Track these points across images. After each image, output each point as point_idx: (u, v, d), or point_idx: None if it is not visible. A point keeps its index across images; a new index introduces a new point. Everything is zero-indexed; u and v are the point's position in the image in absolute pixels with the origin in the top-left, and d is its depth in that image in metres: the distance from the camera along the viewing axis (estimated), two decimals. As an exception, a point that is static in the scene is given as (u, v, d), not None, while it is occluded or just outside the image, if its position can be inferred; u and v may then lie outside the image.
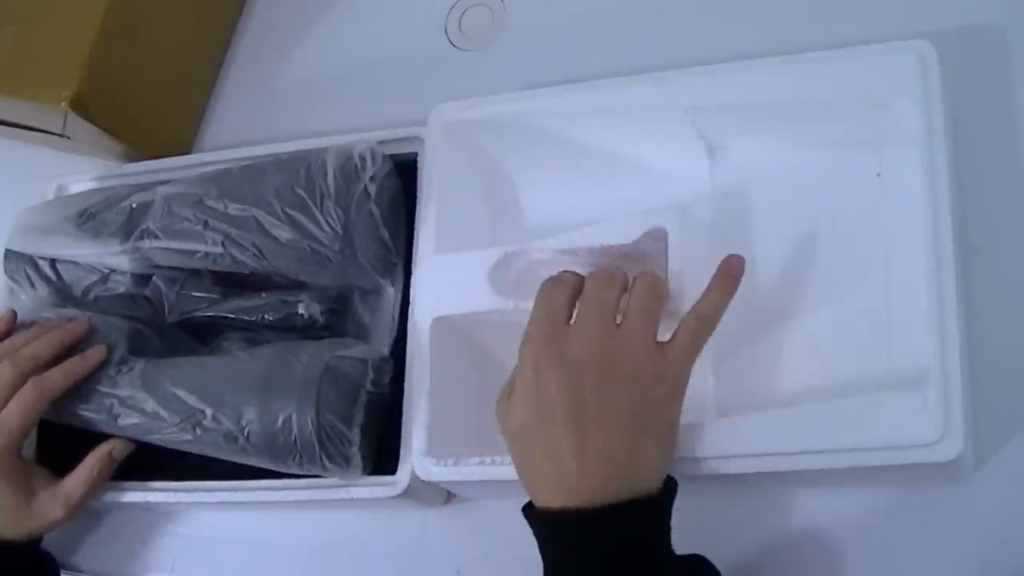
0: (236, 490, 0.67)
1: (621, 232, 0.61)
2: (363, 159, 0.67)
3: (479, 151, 0.68)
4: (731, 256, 0.55)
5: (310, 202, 0.66)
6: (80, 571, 0.75)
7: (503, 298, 0.61)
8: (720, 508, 0.61)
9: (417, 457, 0.61)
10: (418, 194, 0.69)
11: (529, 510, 0.52)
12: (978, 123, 0.61)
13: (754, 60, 0.62)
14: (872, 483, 0.57)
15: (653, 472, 0.52)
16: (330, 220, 0.66)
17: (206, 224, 0.68)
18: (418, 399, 0.62)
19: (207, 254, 0.69)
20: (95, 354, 0.68)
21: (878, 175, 0.60)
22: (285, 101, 0.84)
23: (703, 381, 0.60)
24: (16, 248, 0.76)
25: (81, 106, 0.75)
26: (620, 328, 0.52)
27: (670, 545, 0.52)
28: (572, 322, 0.53)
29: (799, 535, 0.59)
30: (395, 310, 0.69)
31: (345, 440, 0.62)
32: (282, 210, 0.66)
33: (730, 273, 0.55)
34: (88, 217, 0.73)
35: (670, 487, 0.52)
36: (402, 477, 0.63)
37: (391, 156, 0.70)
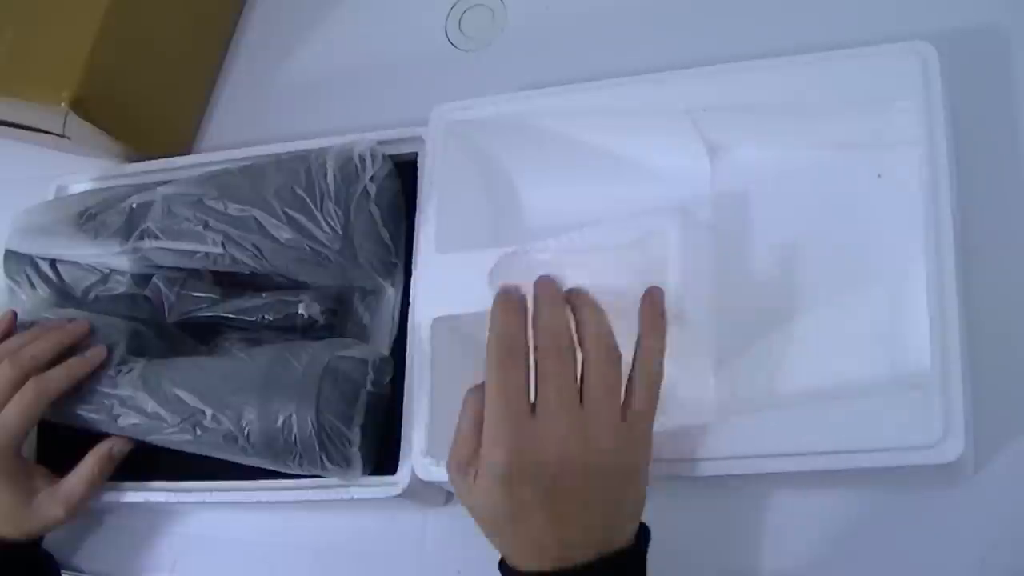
0: (236, 490, 0.67)
1: (621, 233, 0.61)
2: (363, 159, 0.67)
3: (479, 151, 0.68)
4: (648, 292, 0.55)
5: (310, 202, 0.66)
6: (81, 571, 0.75)
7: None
8: (720, 509, 0.61)
9: (417, 457, 0.61)
10: (418, 194, 0.69)
11: (504, 567, 0.52)
12: (979, 124, 0.61)
13: (755, 61, 0.62)
14: (872, 485, 0.57)
15: (629, 529, 0.52)
16: (330, 220, 0.66)
17: (206, 224, 0.68)
18: (418, 399, 0.62)
19: (207, 254, 0.69)
20: (96, 354, 0.68)
21: (879, 176, 0.60)
22: (285, 101, 0.84)
23: (703, 382, 0.60)
24: (16, 248, 0.76)
25: (81, 106, 0.74)
26: (585, 411, 0.50)
27: None
28: (535, 413, 0.50)
29: (799, 537, 0.59)
30: (395, 310, 0.69)
31: (345, 440, 0.62)
32: (282, 210, 0.66)
33: (654, 311, 0.54)
34: (88, 217, 0.73)
35: (644, 535, 0.53)
36: (402, 477, 0.63)
37: (391, 156, 0.70)
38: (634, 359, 0.53)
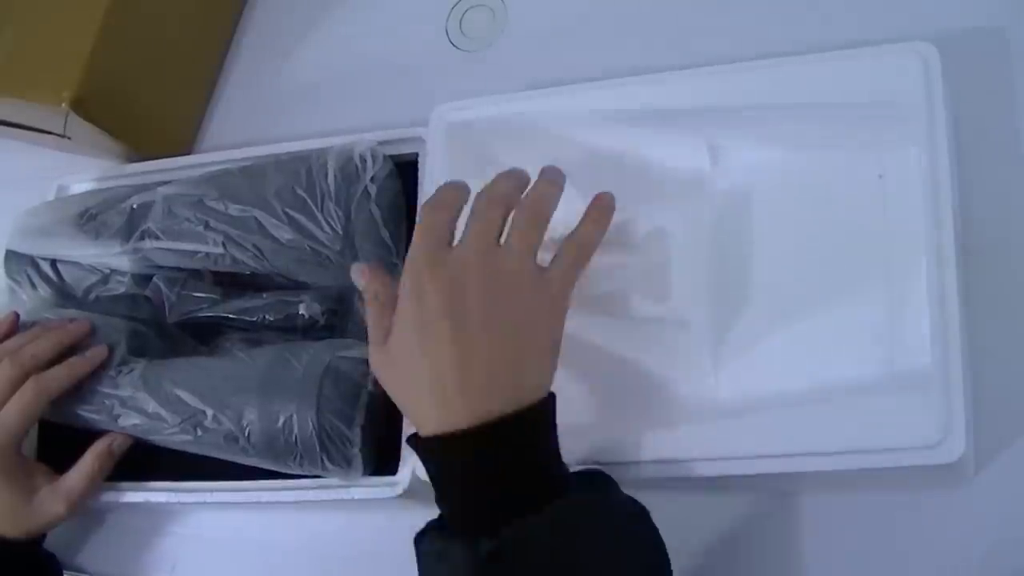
0: (236, 490, 0.67)
1: (622, 233, 0.61)
2: (363, 160, 0.67)
3: (480, 152, 0.68)
4: (602, 192, 0.57)
5: (311, 203, 0.66)
6: (81, 571, 0.75)
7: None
8: (720, 510, 0.61)
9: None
10: (419, 195, 0.69)
11: (415, 439, 0.52)
12: (980, 124, 0.61)
13: (756, 61, 0.62)
14: (872, 485, 0.57)
15: (536, 386, 0.52)
16: (331, 221, 0.66)
17: (207, 225, 0.68)
18: (419, 400, 0.62)
19: (208, 255, 0.69)
20: (96, 354, 0.68)
21: (880, 176, 0.60)
22: (286, 102, 0.84)
23: (703, 382, 0.60)
24: (17, 249, 0.76)
25: (82, 107, 0.74)
26: (502, 246, 0.53)
27: (559, 455, 0.52)
28: (456, 242, 0.53)
29: (798, 538, 0.59)
30: None
31: (346, 441, 0.62)
32: (283, 211, 0.66)
33: (603, 206, 0.57)
34: (89, 218, 0.73)
35: (549, 399, 0.53)
36: (402, 477, 0.63)
37: (392, 157, 0.70)
38: (567, 237, 0.55)
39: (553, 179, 0.56)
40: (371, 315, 0.55)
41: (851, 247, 0.60)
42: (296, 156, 0.70)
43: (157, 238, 0.70)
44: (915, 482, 0.56)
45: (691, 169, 0.64)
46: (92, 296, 0.74)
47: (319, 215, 0.66)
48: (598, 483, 0.53)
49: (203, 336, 0.72)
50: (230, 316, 0.70)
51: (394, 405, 0.64)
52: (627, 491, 0.61)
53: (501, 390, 0.50)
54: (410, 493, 0.62)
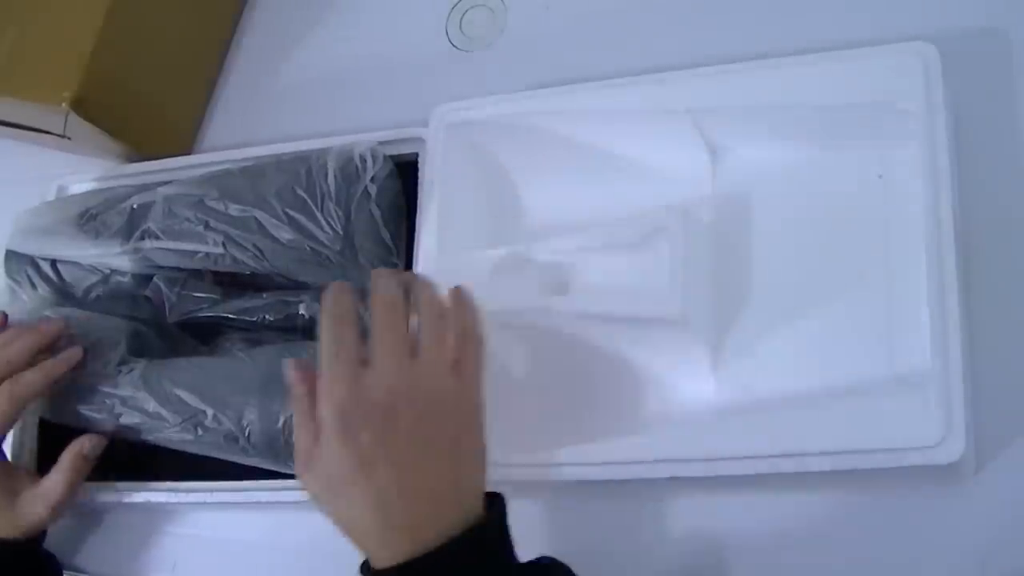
0: (236, 490, 0.67)
1: (622, 233, 0.61)
2: (364, 160, 0.67)
3: (480, 152, 0.68)
4: (454, 288, 0.57)
5: (311, 203, 0.66)
6: (81, 571, 0.75)
7: (504, 298, 0.61)
8: (720, 511, 0.61)
9: (418, 458, 0.61)
10: (419, 195, 0.68)
11: (367, 570, 0.50)
12: (980, 124, 0.61)
13: (756, 61, 0.62)
14: (872, 486, 0.57)
15: (477, 497, 0.51)
16: (331, 221, 0.66)
17: (207, 225, 0.68)
18: (419, 400, 0.62)
19: (208, 255, 0.69)
20: (72, 355, 0.68)
21: (880, 176, 0.60)
22: (286, 102, 0.84)
23: (703, 382, 0.60)
24: (17, 248, 0.76)
25: (82, 107, 0.74)
26: (419, 360, 0.51)
27: (515, 557, 0.51)
28: (370, 362, 0.51)
29: (797, 539, 0.59)
30: None
31: None
32: (283, 211, 0.66)
33: (460, 295, 0.56)
34: (89, 218, 0.73)
35: (499, 503, 0.52)
36: (403, 478, 0.62)
37: (392, 157, 0.70)
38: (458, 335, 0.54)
39: (427, 280, 0.56)
40: (298, 419, 0.52)
41: (851, 247, 0.60)
42: (296, 156, 0.70)
43: (157, 238, 0.70)
44: (915, 482, 0.56)
45: (691, 169, 0.64)
46: (92, 296, 0.74)
47: (319, 215, 0.66)
48: (554, 573, 0.52)
49: (203, 336, 0.72)
50: (230, 316, 0.70)
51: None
52: (627, 491, 0.61)
53: (447, 514, 0.49)
54: (410, 493, 0.62)
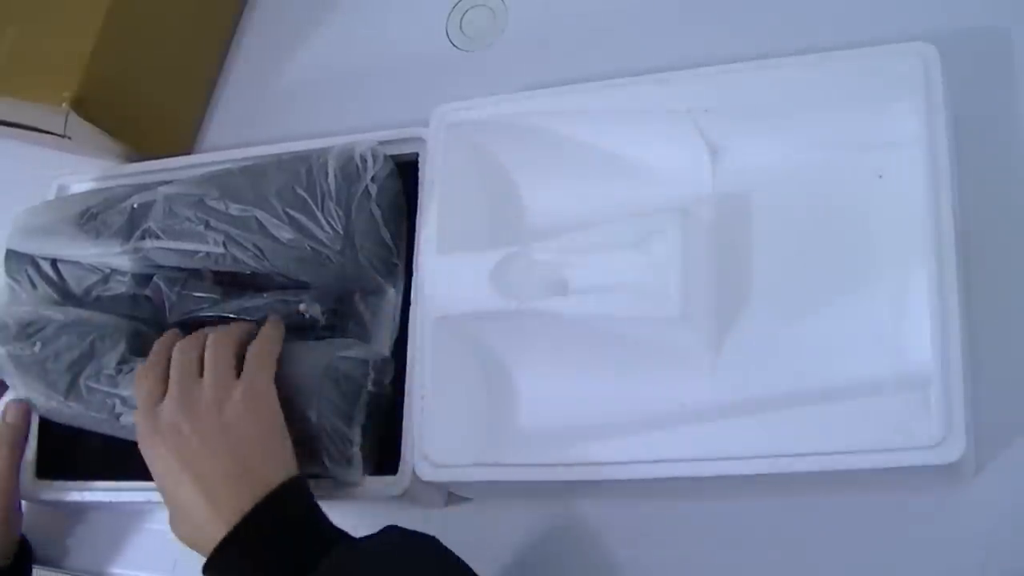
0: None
1: (623, 233, 0.61)
2: (364, 160, 0.67)
3: (481, 152, 0.68)
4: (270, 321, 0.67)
5: (311, 202, 0.66)
6: (81, 571, 0.75)
7: (505, 299, 0.61)
8: (720, 511, 0.61)
9: (418, 458, 0.61)
10: (419, 195, 0.69)
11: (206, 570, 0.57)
12: (980, 125, 0.61)
13: (756, 61, 0.62)
14: (872, 486, 0.57)
15: (277, 472, 0.58)
16: (331, 220, 0.66)
17: (207, 224, 0.68)
18: (419, 399, 0.62)
19: (208, 254, 0.69)
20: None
21: (880, 177, 0.60)
22: (286, 101, 0.84)
23: (703, 382, 0.60)
24: (17, 248, 0.76)
25: (82, 107, 0.74)
26: (201, 379, 0.61)
27: (326, 522, 0.58)
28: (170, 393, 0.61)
29: (798, 539, 0.59)
30: (396, 311, 0.69)
31: (346, 440, 0.62)
32: (283, 210, 0.66)
33: (273, 325, 0.66)
34: (90, 217, 0.73)
35: (296, 478, 0.59)
36: (402, 478, 0.63)
37: (392, 157, 0.70)
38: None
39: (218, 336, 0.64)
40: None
41: (851, 247, 0.60)
42: (297, 156, 0.70)
43: (158, 237, 0.70)
44: (915, 482, 0.56)
45: (691, 169, 0.64)
46: (92, 295, 0.74)
47: (320, 215, 0.66)
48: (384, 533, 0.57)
49: (204, 336, 0.72)
50: (231, 316, 0.70)
51: (395, 405, 0.65)
52: (626, 491, 0.61)
53: (248, 489, 0.57)
54: (410, 493, 0.62)
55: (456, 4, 0.81)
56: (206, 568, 0.56)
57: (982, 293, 0.58)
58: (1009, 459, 0.56)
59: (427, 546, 0.56)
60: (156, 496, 0.69)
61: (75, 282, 0.74)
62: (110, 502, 0.71)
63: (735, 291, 0.61)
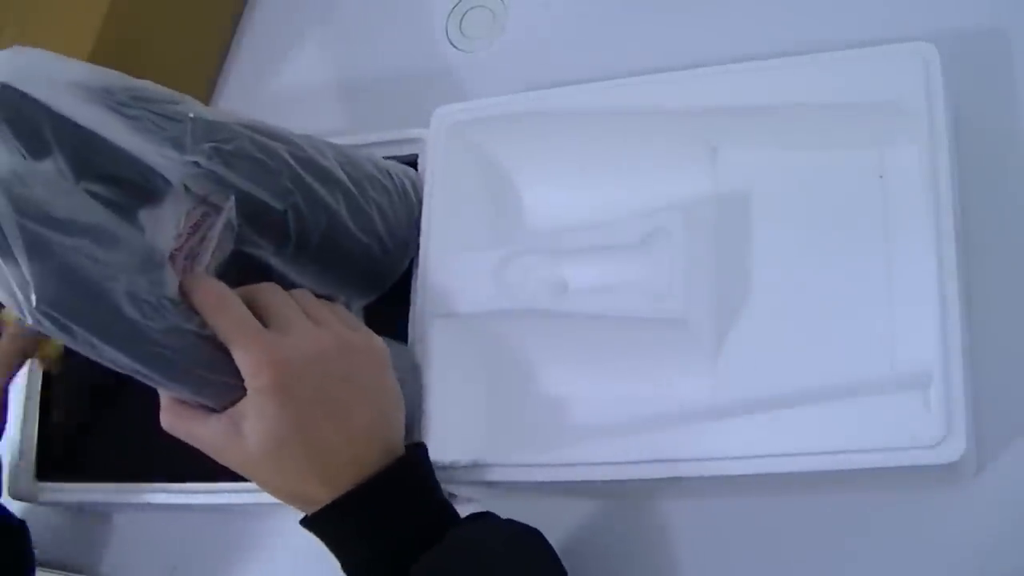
0: (236, 491, 0.67)
1: (623, 233, 0.61)
2: (414, 186, 0.67)
3: (481, 152, 0.68)
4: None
5: (385, 205, 0.66)
6: (81, 571, 0.75)
7: (506, 298, 0.61)
8: (720, 511, 0.61)
9: (418, 458, 0.61)
10: (419, 195, 0.68)
11: (312, 519, 0.53)
12: (981, 125, 0.61)
13: (756, 61, 0.62)
14: (872, 486, 0.57)
15: (400, 436, 0.55)
16: (393, 231, 0.66)
17: (298, 179, 0.62)
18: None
19: (283, 196, 0.61)
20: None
21: (880, 177, 0.60)
22: (286, 103, 0.84)
23: (703, 382, 0.60)
24: (23, 88, 0.51)
25: (82, 107, 0.74)
26: (324, 322, 0.54)
27: (442, 495, 0.56)
28: (272, 329, 0.52)
29: (798, 539, 0.59)
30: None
31: None
32: (371, 198, 0.65)
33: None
34: (123, 103, 0.56)
35: (421, 446, 0.57)
36: (403, 478, 0.62)
37: (392, 157, 0.70)
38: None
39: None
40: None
41: (851, 247, 0.60)
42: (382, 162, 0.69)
43: (229, 165, 0.59)
44: (916, 482, 0.56)
45: (691, 169, 0.64)
46: None
47: (391, 216, 0.65)
48: (485, 515, 0.56)
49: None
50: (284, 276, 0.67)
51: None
52: (626, 491, 0.61)
53: (380, 447, 0.53)
54: (410, 493, 0.62)
55: (456, 5, 0.81)
56: (316, 519, 0.53)
57: (983, 292, 0.58)
58: (1009, 459, 0.56)
59: (538, 542, 0.55)
60: (156, 498, 0.69)
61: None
62: (110, 503, 0.71)
63: (735, 291, 0.61)
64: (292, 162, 0.62)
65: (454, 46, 0.80)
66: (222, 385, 0.52)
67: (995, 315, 0.58)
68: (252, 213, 0.60)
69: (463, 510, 0.67)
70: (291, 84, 0.85)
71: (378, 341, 0.56)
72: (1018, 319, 0.58)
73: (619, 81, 0.65)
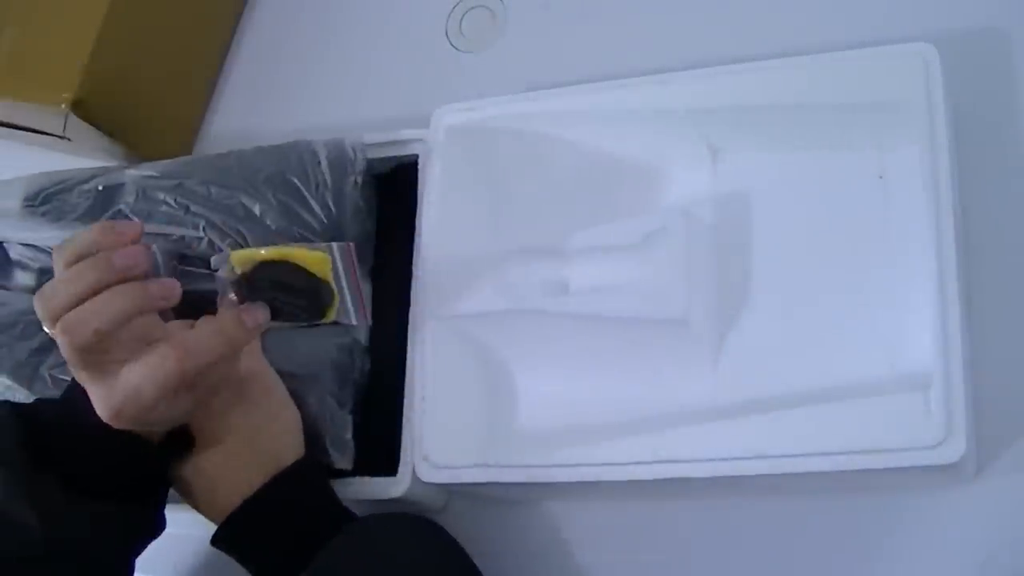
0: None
1: (623, 233, 0.61)
2: (354, 151, 0.68)
3: (481, 153, 0.68)
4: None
5: (304, 189, 0.66)
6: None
7: (505, 298, 0.61)
8: (720, 511, 0.61)
9: (418, 458, 0.61)
10: (419, 195, 0.68)
11: (217, 535, 0.59)
12: (980, 125, 0.61)
13: (756, 62, 0.62)
14: (872, 486, 0.57)
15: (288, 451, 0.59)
16: (324, 208, 0.66)
17: (187, 209, 0.67)
18: (419, 400, 0.62)
19: (183, 238, 0.67)
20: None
21: (880, 177, 0.60)
22: (285, 103, 0.84)
23: (703, 382, 0.60)
24: None
25: (82, 108, 0.74)
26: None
27: (335, 500, 0.59)
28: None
29: (798, 539, 0.59)
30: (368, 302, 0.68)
31: (343, 425, 0.62)
32: (273, 196, 0.66)
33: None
34: (44, 199, 0.70)
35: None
36: (403, 478, 0.62)
37: (392, 157, 0.70)
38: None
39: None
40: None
41: (851, 247, 0.60)
42: (282, 145, 0.69)
43: (130, 220, 0.67)
44: (916, 482, 0.56)
45: (691, 169, 0.64)
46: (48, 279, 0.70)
47: (312, 202, 0.66)
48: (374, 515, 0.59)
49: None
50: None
51: (394, 402, 0.65)
52: (626, 491, 0.61)
53: (271, 462, 0.58)
54: (410, 494, 0.62)
55: (456, 5, 0.81)
56: (223, 529, 0.58)
57: (982, 293, 0.58)
58: (1009, 459, 0.56)
59: (433, 531, 0.56)
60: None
61: (26, 267, 0.73)
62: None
63: (735, 291, 0.61)
64: (191, 197, 0.67)
65: (454, 46, 0.80)
66: None
67: (995, 316, 0.58)
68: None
69: (463, 510, 0.67)
70: (291, 84, 0.85)
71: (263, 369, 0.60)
72: (1018, 320, 0.58)
73: (619, 81, 0.65)
